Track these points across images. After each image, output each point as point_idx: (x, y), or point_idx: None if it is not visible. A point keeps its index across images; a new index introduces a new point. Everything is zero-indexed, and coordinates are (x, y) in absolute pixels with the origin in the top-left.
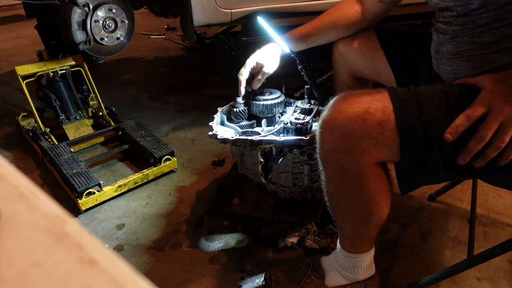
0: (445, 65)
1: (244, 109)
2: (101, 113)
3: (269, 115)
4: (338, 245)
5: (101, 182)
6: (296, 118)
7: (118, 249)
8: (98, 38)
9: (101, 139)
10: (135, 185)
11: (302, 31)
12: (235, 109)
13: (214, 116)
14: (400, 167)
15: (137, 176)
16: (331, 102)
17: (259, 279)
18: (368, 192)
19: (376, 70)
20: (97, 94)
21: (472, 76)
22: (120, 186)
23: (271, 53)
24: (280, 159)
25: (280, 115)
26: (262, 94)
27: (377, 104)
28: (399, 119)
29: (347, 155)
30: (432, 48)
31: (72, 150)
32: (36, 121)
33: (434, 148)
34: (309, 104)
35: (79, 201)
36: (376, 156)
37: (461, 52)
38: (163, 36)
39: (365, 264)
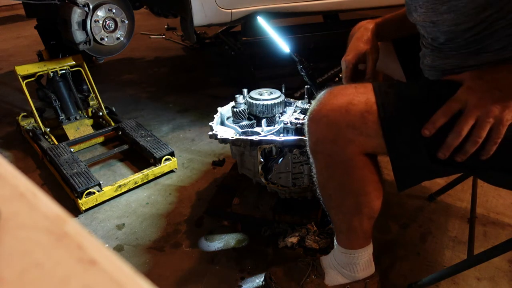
0: (427, 74)
1: (244, 109)
2: (101, 113)
3: (269, 115)
4: (335, 242)
5: (101, 182)
6: (296, 118)
7: (118, 249)
8: (98, 38)
9: (101, 139)
10: (135, 185)
11: (395, 14)
12: (235, 109)
13: (214, 116)
14: (392, 162)
15: (137, 176)
16: (319, 95)
17: (259, 279)
18: (357, 181)
19: (383, 61)
20: (97, 94)
21: None
22: (120, 186)
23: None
24: (280, 159)
25: (280, 115)
26: (262, 94)
27: (360, 96)
28: (381, 111)
29: (334, 146)
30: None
31: (72, 150)
32: (36, 121)
33: (417, 141)
34: (309, 104)
35: (79, 201)
36: (362, 146)
37: (437, 66)
38: (163, 36)
39: (363, 261)
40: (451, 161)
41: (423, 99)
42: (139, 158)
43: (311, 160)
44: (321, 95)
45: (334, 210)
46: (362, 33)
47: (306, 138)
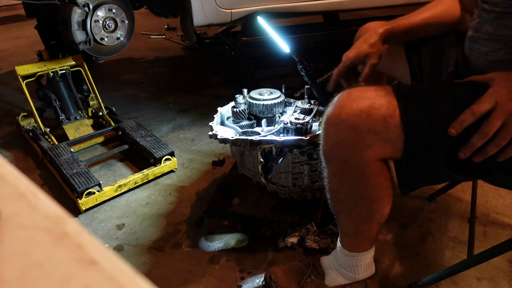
0: (480, 45)
1: (244, 109)
2: (101, 113)
3: (269, 115)
4: (339, 244)
5: (101, 182)
6: (296, 118)
7: (118, 249)
8: (98, 38)
9: (101, 139)
10: (135, 185)
11: (409, 22)
12: (235, 109)
13: (214, 116)
14: (402, 165)
15: (137, 176)
16: (336, 98)
17: (259, 279)
18: (371, 188)
19: (392, 63)
20: (97, 94)
21: (504, 61)
22: (120, 186)
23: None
24: (280, 159)
25: (280, 115)
26: (262, 94)
27: (382, 100)
28: (404, 114)
29: (351, 150)
30: (470, 27)
31: (72, 150)
32: (36, 121)
33: (438, 144)
34: (309, 104)
35: (79, 201)
36: (379, 152)
37: (500, 35)
38: (163, 36)
39: (365, 263)
40: (467, 166)
41: (447, 100)
42: (139, 158)
43: (323, 164)
44: (338, 98)
45: (344, 214)
46: (370, 36)
47: (321, 142)
